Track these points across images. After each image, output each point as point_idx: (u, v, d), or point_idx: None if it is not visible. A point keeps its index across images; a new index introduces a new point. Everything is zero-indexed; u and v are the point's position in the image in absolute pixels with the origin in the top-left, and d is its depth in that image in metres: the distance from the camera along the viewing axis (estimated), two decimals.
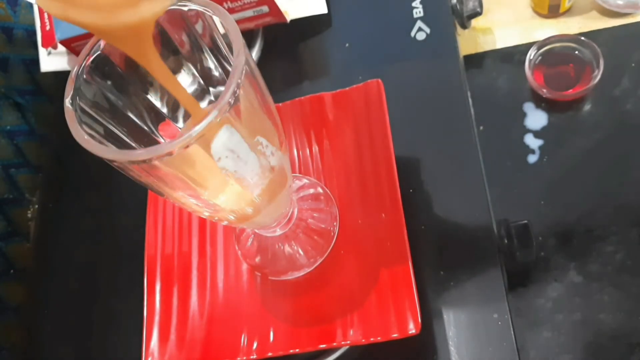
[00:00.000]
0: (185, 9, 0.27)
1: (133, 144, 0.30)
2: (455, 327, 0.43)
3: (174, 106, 0.32)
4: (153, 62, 0.27)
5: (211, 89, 0.33)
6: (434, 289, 0.44)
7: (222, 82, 0.32)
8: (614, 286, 0.66)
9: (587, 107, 0.75)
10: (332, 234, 0.44)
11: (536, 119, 0.76)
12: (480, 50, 0.80)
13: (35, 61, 0.57)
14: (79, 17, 0.23)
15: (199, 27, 0.29)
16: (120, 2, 0.24)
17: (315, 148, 0.47)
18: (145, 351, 0.42)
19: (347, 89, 0.46)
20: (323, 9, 0.55)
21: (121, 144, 0.29)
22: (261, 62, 0.56)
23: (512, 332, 0.42)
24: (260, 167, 0.30)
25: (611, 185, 0.71)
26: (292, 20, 0.55)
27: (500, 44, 0.80)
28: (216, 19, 0.27)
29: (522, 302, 0.67)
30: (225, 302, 0.44)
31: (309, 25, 0.56)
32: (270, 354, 0.40)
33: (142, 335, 0.43)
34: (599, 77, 0.73)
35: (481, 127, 0.74)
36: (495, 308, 0.43)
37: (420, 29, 0.54)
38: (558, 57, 0.76)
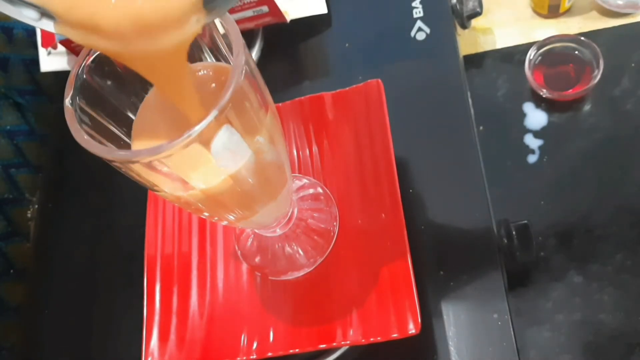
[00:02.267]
0: None
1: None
2: (455, 327, 0.43)
3: None
4: (186, 94, 0.26)
5: None
6: (434, 289, 0.44)
7: None
8: (614, 286, 0.66)
9: (587, 107, 0.75)
10: (332, 234, 0.44)
11: (536, 119, 0.76)
12: (480, 50, 0.80)
13: (35, 61, 0.57)
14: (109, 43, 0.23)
15: None
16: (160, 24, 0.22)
17: (315, 148, 0.47)
18: (145, 351, 0.42)
19: (347, 89, 0.46)
20: (323, 9, 0.55)
21: (121, 144, 0.29)
22: (261, 62, 0.56)
23: (512, 332, 0.42)
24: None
25: (611, 185, 0.71)
26: (292, 20, 0.55)
27: (500, 44, 0.80)
28: (216, 19, 0.27)
29: (522, 302, 0.67)
30: (225, 302, 0.44)
31: (309, 25, 0.56)
32: (270, 354, 0.40)
33: (142, 335, 0.43)
34: (599, 77, 0.73)
35: (481, 127, 0.74)
36: (495, 308, 0.43)
37: (420, 29, 0.54)
38: (558, 57, 0.76)
